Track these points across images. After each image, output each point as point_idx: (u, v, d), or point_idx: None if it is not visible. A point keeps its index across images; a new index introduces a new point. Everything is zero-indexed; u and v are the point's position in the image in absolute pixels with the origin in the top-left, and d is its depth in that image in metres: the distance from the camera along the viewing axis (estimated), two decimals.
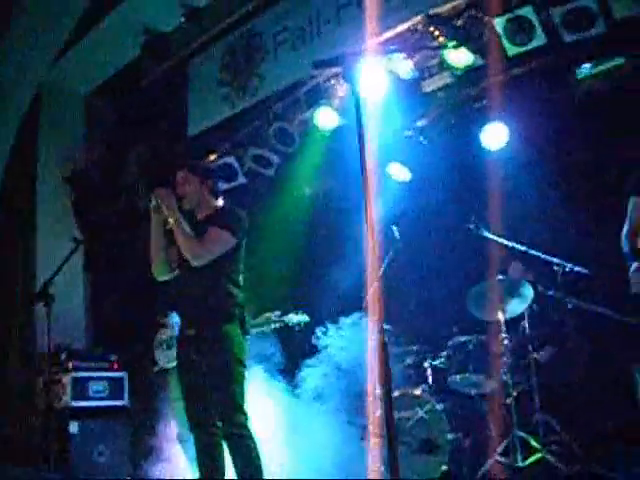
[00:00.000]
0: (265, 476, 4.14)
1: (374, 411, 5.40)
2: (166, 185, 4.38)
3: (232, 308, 4.32)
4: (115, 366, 7.01)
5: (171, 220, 4.26)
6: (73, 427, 6.27)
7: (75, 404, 6.46)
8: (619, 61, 5.10)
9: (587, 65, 5.54)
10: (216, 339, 4.20)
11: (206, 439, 4.23)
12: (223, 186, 4.77)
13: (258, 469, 4.12)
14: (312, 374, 5.86)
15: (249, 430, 4.15)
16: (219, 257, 4.28)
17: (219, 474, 4.21)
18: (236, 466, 4.12)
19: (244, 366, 4.27)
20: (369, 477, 5.20)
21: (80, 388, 6.57)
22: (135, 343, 7.32)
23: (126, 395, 6.87)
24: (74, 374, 6.54)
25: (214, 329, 4.22)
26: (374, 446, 5.29)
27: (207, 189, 4.49)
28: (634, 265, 3.88)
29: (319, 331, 5.92)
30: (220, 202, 4.55)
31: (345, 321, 5.84)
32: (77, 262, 7.96)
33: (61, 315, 5.88)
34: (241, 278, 4.46)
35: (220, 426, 4.17)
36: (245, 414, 4.17)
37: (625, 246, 4.00)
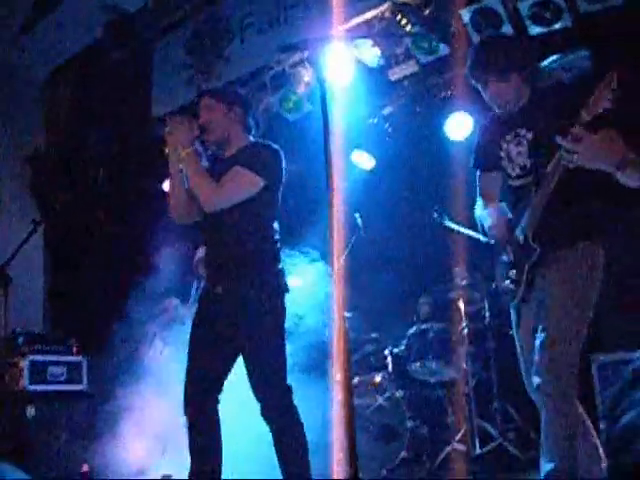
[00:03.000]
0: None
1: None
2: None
3: (266, 262, 3.64)
4: (74, 350, 6.91)
5: (182, 153, 3.56)
6: (30, 411, 6.19)
7: (32, 388, 6.37)
8: (584, 54, 5.15)
9: (553, 57, 5.58)
10: (251, 299, 3.55)
11: (208, 419, 3.65)
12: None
13: (306, 461, 3.54)
14: None
15: (297, 411, 3.55)
16: (246, 202, 3.59)
17: (218, 457, 3.63)
18: (282, 457, 3.52)
19: (285, 333, 3.64)
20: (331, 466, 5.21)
21: (38, 372, 6.47)
22: (96, 327, 7.24)
23: (85, 379, 6.79)
24: (32, 357, 6.45)
25: (246, 287, 3.56)
26: (335, 434, 5.30)
27: (236, 119, 3.77)
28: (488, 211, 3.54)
29: None
30: (251, 138, 3.86)
31: None
32: (37, 244, 7.85)
33: (19, 298, 5.80)
34: (276, 227, 3.79)
35: (261, 409, 3.54)
36: (292, 392, 3.56)
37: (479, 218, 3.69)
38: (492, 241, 3.58)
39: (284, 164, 3.78)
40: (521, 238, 3.38)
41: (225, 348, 3.63)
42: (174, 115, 3.71)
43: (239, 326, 3.56)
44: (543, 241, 3.31)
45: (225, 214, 3.61)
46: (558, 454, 3.13)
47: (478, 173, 3.76)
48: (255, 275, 3.59)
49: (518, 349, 3.52)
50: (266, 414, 3.54)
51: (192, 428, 3.65)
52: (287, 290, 3.71)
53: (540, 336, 3.24)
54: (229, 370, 3.69)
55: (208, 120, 3.72)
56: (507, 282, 3.51)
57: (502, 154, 3.50)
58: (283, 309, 3.66)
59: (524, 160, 3.41)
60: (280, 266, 3.71)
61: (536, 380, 3.23)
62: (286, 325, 3.68)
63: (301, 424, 3.55)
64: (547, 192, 3.23)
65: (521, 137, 3.42)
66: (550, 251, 3.30)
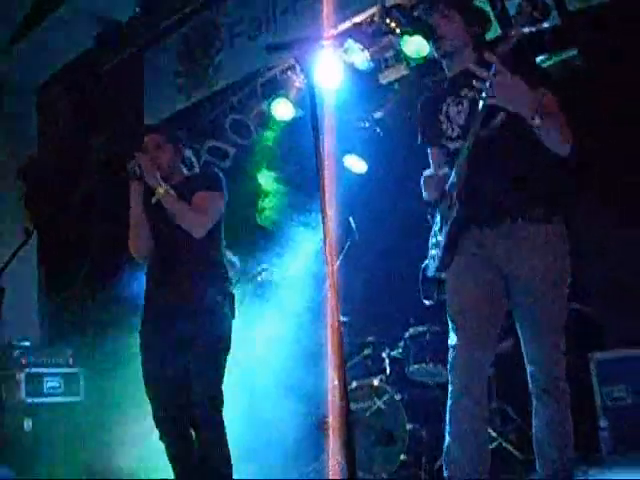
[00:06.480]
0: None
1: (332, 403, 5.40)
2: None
3: (222, 281, 4.03)
4: (70, 361, 6.90)
5: (160, 190, 3.90)
6: (27, 424, 6.17)
7: (30, 400, 6.35)
8: (573, 52, 5.16)
9: (542, 56, 5.59)
10: (200, 313, 3.87)
11: (181, 445, 3.89)
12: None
13: (227, 461, 3.82)
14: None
15: (222, 419, 3.83)
16: None
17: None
18: (202, 455, 3.81)
19: (229, 349, 3.95)
20: (329, 470, 5.21)
21: (35, 384, 6.46)
22: (91, 337, 7.22)
23: (82, 391, 6.77)
24: (28, 370, 6.43)
25: (199, 303, 3.88)
26: (333, 438, 5.30)
27: (180, 157, 4.25)
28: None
29: None
30: (184, 169, 4.30)
31: None
32: (31, 255, 7.83)
33: (14, 309, 5.78)
34: (224, 248, 4.18)
35: (193, 415, 3.81)
36: (222, 402, 3.85)
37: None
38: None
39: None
40: (448, 198, 3.21)
41: (174, 366, 3.85)
42: (142, 155, 3.99)
43: (185, 342, 3.83)
44: (499, 210, 3.04)
45: (183, 240, 3.96)
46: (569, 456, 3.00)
47: (429, 150, 3.54)
48: (204, 294, 3.89)
49: (451, 319, 3.20)
50: (197, 418, 3.80)
51: (169, 452, 3.90)
52: (233, 316, 4.03)
53: (531, 329, 3.08)
54: (186, 387, 3.84)
55: (158, 157, 4.08)
56: (433, 250, 3.41)
57: (442, 117, 3.23)
58: (230, 327, 3.97)
59: (463, 120, 3.14)
60: (229, 287, 4.07)
61: (536, 374, 3.05)
62: None
63: (225, 441, 3.80)
64: (468, 149, 3.00)
65: (462, 97, 3.16)
66: (514, 222, 3.02)
